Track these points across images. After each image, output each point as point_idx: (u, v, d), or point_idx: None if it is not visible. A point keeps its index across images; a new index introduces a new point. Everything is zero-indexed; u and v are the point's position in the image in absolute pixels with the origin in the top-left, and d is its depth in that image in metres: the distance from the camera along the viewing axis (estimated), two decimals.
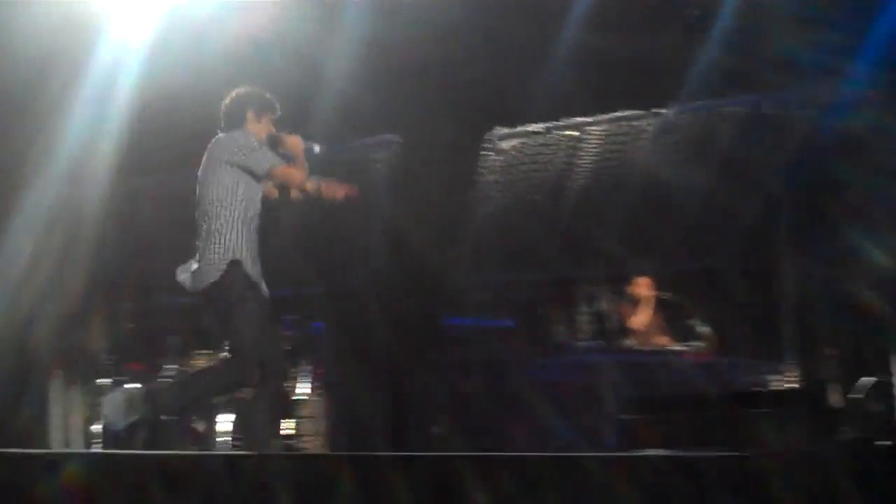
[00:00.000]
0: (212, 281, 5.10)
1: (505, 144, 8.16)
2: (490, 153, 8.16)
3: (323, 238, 8.83)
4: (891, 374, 7.20)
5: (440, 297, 8.98)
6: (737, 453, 3.67)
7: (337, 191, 5.42)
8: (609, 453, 4.08)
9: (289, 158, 5.39)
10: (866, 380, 6.90)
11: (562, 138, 8.11)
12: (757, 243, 9.42)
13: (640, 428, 4.57)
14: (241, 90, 5.52)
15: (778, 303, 8.77)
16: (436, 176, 8.88)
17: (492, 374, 8.02)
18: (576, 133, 8.04)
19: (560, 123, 8.03)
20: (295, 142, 5.44)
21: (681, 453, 3.89)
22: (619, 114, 8.02)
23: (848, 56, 9.74)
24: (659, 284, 8.82)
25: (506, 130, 8.08)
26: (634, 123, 8.09)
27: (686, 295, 8.74)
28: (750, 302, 9.44)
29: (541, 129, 8.03)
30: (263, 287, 5.30)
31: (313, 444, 7.34)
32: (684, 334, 8.64)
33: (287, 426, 7.48)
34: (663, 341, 8.43)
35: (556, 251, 9.26)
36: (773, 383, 7.65)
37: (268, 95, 5.55)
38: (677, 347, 8.31)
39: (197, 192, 5.35)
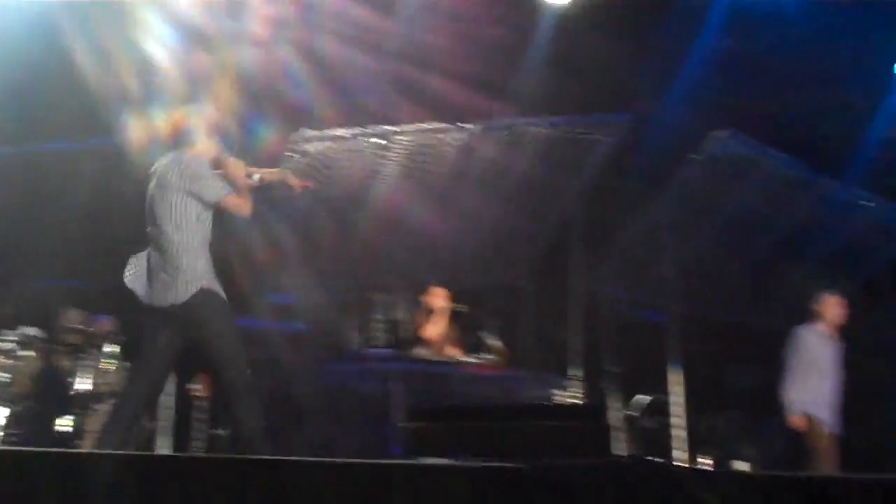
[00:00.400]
0: (177, 302, 5.25)
1: (310, 147, 8.07)
2: (294, 154, 8.06)
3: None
4: (666, 393, 7.56)
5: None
6: (511, 464, 3.74)
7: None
8: (387, 461, 4.09)
9: (231, 182, 5.52)
10: (641, 397, 7.23)
11: (367, 145, 8.10)
12: (549, 262, 9.70)
13: (422, 436, 4.59)
14: (192, 107, 5.69)
15: (566, 320, 9.04)
16: None
17: (280, 378, 7.92)
18: (382, 141, 8.04)
19: (367, 130, 8.01)
20: (237, 168, 5.56)
21: (458, 463, 3.93)
22: (425, 125, 8.07)
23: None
24: (453, 297, 8.93)
25: (312, 133, 7.99)
26: (440, 136, 8.16)
27: (479, 308, 8.89)
28: (540, 318, 9.71)
29: (347, 135, 7.98)
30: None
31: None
32: (476, 346, 8.77)
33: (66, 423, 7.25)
34: (455, 352, 8.53)
35: (353, 258, 9.25)
36: (557, 397, 7.87)
37: (215, 115, 5.67)
38: (469, 359, 8.42)
39: (147, 206, 5.46)
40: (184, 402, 8.23)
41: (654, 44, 10.52)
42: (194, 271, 5.29)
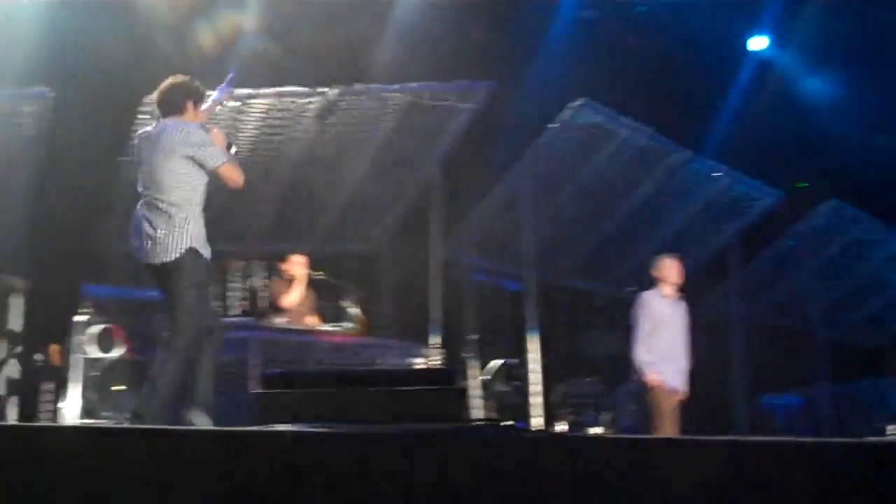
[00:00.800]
0: (167, 260, 5.47)
1: None
2: (145, 117, 7.80)
3: None
4: (519, 358, 7.66)
5: (84, 266, 8.56)
6: (364, 430, 3.73)
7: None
8: (241, 428, 4.02)
9: None
10: (495, 362, 7.30)
11: (222, 108, 7.89)
12: (409, 229, 9.69)
13: (274, 403, 4.53)
14: (179, 79, 5.77)
15: (425, 287, 9.06)
16: (91, 138, 8.43)
17: (135, 344, 7.73)
18: (237, 104, 7.85)
19: None
20: (220, 138, 5.79)
21: (307, 428, 3.88)
22: (282, 89, 7.92)
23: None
24: (312, 264, 8.85)
25: None
26: (297, 100, 8.03)
27: (338, 276, 8.83)
28: (399, 285, 9.71)
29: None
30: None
31: None
32: (336, 315, 8.72)
33: None
34: (314, 321, 8.45)
35: (208, 223, 9.02)
36: (416, 364, 7.89)
37: (202, 87, 5.85)
38: (327, 328, 8.36)
39: (142, 170, 5.63)
40: (31, 372, 7.98)
41: (516, 14, 10.60)
42: (188, 233, 5.52)
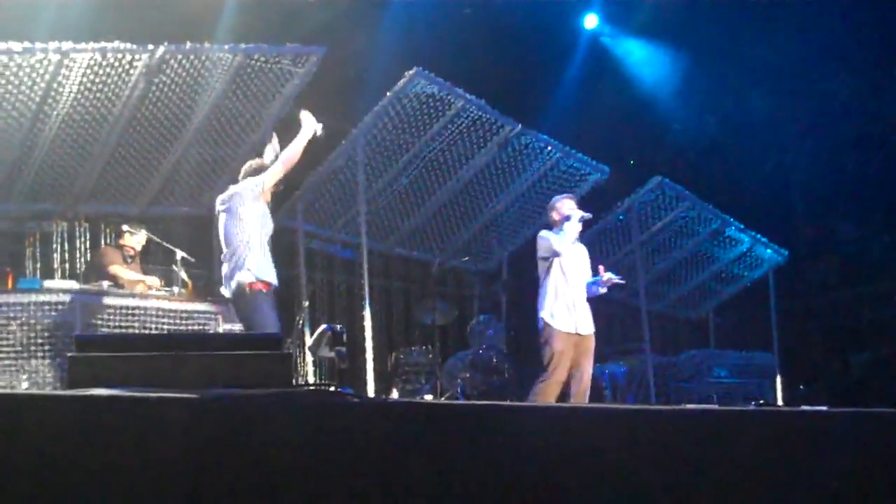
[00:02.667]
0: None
1: None
2: None
3: None
4: (340, 324, 7.62)
5: None
6: (186, 394, 3.63)
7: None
8: (55, 392, 3.87)
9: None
10: (322, 328, 7.22)
11: (45, 60, 7.55)
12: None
13: (92, 366, 4.36)
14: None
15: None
16: None
17: None
18: (58, 57, 7.51)
19: (43, 45, 7.46)
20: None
21: (128, 393, 3.75)
22: (107, 44, 7.62)
23: None
24: (144, 227, 8.62)
25: None
26: (123, 56, 7.74)
27: (169, 239, 8.62)
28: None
29: (20, 49, 7.40)
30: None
31: None
32: (165, 278, 8.53)
33: None
34: (142, 284, 8.23)
35: (29, 182, 8.66)
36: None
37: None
38: (155, 291, 8.16)
39: None
40: None
41: None
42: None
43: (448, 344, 10.86)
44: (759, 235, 12.17)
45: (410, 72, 8.69)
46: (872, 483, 4.18)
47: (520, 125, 9.77)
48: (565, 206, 7.84)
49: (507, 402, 7.11)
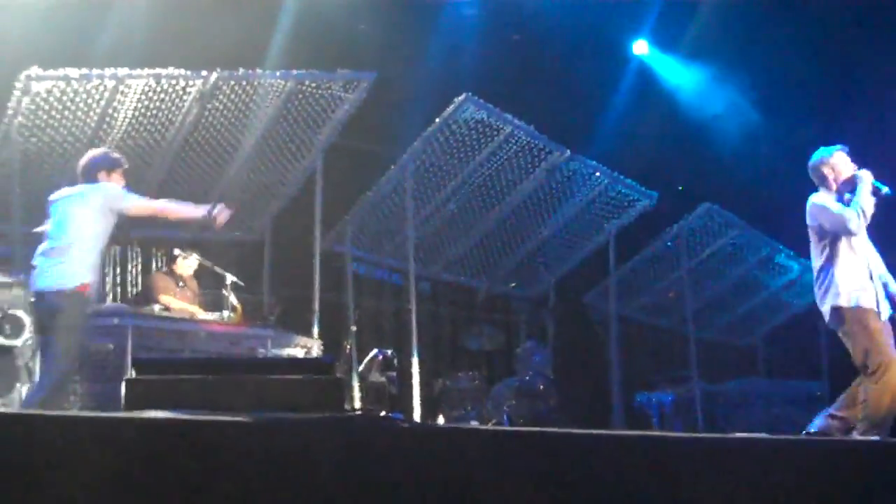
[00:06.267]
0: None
1: (37, 86, 7.58)
2: (18, 93, 7.55)
3: None
4: (391, 349, 7.61)
5: None
6: (238, 418, 3.66)
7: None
8: (113, 414, 3.91)
9: None
10: (373, 353, 7.25)
11: (100, 87, 7.69)
12: (290, 218, 9.60)
13: (141, 389, 4.41)
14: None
15: (307, 277, 8.99)
16: None
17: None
18: (114, 83, 7.65)
19: (100, 71, 7.60)
20: None
21: (183, 416, 3.80)
22: (161, 70, 7.75)
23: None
24: (195, 251, 8.70)
25: (40, 72, 7.51)
26: (176, 82, 7.86)
27: (219, 263, 8.68)
28: (280, 274, 9.60)
29: (76, 75, 7.54)
30: None
31: None
32: (216, 303, 8.58)
33: None
34: (194, 309, 8.30)
35: None
36: (294, 353, 7.82)
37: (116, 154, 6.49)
38: (207, 316, 8.22)
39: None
40: None
41: (403, 8, 10.59)
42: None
43: (494, 370, 10.84)
44: (808, 262, 12.02)
45: (460, 98, 8.73)
46: None
47: (568, 151, 9.77)
48: (843, 162, 6.43)
49: (559, 430, 7.08)
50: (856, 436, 6.05)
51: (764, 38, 12.10)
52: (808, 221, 6.40)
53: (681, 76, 13.68)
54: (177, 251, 8.67)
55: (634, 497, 3.70)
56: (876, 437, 5.86)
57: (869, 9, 11.60)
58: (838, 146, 6.53)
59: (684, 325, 11.05)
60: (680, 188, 13.18)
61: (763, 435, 8.28)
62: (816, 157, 6.52)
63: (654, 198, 10.56)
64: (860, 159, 6.49)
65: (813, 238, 6.45)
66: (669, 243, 11.15)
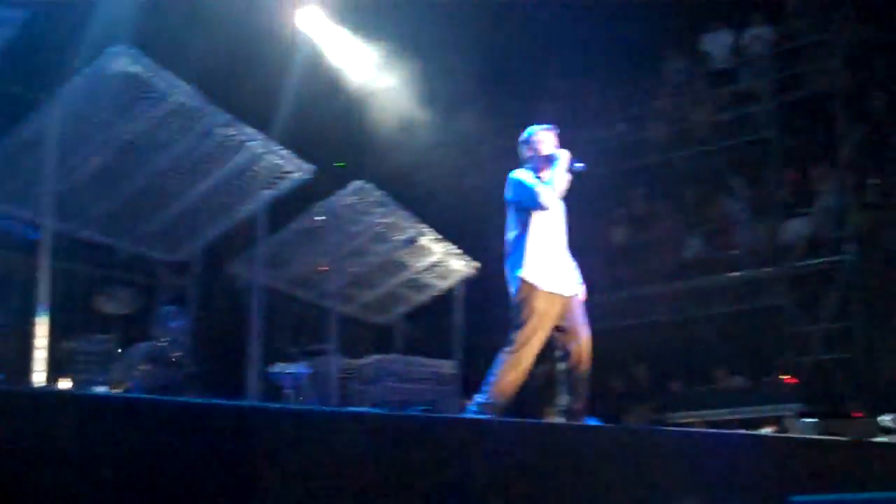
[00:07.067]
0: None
1: None
2: None
3: None
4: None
5: None
6: None
7: None
8: None
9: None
10: None
11: None
12: None
13: None
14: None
15: None
16: None
17: None
18: None
19: None
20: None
21: None
22: None
23: None
24: None
25: None
26: None
27: None
28: None
29: None
30: None
31: None
32: None
33: None
34: None
35: None
36: None
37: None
38: None
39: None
40: None
41: None
42: None
43: (131, 335, 10.47)
44: (452, 247, 12.58)
45: (115, 48, 8.33)
46: None
47: (227, 115, 9.54)
48: (546, 141, 6.87)
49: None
50: (477, 400, 6.45)
51: (434, 27, 12.54)
52: (506, 195, 6.76)
53: (352, 50, 13.89)
54: None
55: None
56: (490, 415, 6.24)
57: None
58: (546, 125, 6.98)
59: (328, 299, 11.19)
60: (342, 164, 13.37)
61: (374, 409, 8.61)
62: (524, 134, 6.95)
63: (310, 171, 10.54)
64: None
65: (510, 212, 6.80)
66: (320, 218, 11.24)
